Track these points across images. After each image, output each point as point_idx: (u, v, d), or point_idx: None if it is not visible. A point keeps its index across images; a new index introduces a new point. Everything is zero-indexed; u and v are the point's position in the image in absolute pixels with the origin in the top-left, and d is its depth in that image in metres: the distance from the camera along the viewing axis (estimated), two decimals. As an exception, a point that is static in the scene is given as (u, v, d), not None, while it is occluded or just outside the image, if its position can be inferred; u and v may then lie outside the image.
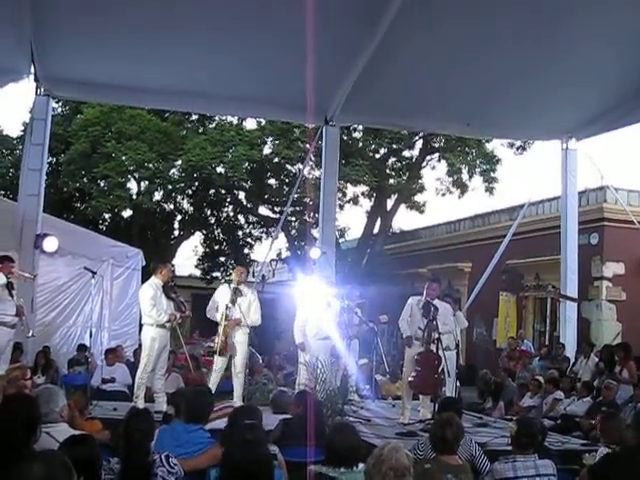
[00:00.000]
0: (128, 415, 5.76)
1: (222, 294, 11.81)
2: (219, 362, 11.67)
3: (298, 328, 12.55)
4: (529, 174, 38.23)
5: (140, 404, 10.45)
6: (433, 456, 6.26)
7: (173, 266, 13.50)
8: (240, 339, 11.57)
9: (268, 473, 4.21)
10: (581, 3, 11.12)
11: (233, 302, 11.51)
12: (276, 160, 27.22)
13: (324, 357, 11.69)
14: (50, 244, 13.36)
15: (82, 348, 14.78)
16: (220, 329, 11.56)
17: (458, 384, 13.80)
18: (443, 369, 11.25)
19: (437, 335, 11.07)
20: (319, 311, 12.31)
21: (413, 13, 11.27)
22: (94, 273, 12.47)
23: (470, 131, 18.79)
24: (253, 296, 11.79)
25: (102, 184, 27.05)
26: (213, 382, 11.50)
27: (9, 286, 10.99)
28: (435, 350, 11.10)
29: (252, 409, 6.81)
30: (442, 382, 11.50)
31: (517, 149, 26.67)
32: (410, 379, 11.27)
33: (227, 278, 23.94)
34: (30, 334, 11.88)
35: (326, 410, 9.77)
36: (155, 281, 11.20)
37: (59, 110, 27.82)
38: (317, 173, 22.61)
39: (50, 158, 25.75)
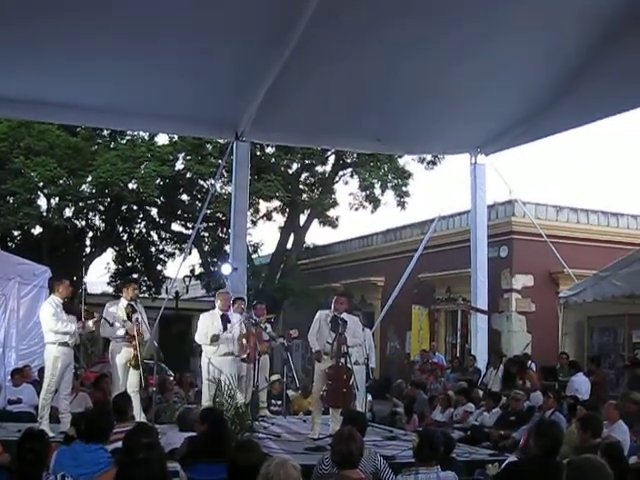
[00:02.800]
0: (21, 436, 5.62)
1: (113, 311, 11.50)
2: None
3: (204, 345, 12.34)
4: (440, 188, 38.70)
5: (45, 425, 10.19)
6: (336, 471, 6.26)
7: (84, 284, 13.26)
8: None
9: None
10: (485, 10, 11.18)
11: (129, 318, 11.31)
12: (188, 176, 27.08)
13: (231, 373, 11.54)
14: (-47, 263, 13.02)
15: (-10, 370, 14.45)
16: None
17: (370, 398, 13.88)
18: (354, 383, 11.29)
19: (346, 349, 11.13)
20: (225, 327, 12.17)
21: (321, 31, 11.29)
22: (-5, 292, 12.22)
23: (381, 147, 18.92)
24: (143, 312, 11.64)
25: (10, 201, 26.46)
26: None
27: None
28: (345, 364, 11.16)
29: (147, 428, 6.70)
30: (354, 396, 11.52)
31: (428, 164, 27.03)
32: (321, 393, 11.30)
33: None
34: None
35: (235, 427, 9.70)
36: (54, 298, 10.94)
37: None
38: (230, 189, 22.51)
39: (-44, 175, 25.17)
